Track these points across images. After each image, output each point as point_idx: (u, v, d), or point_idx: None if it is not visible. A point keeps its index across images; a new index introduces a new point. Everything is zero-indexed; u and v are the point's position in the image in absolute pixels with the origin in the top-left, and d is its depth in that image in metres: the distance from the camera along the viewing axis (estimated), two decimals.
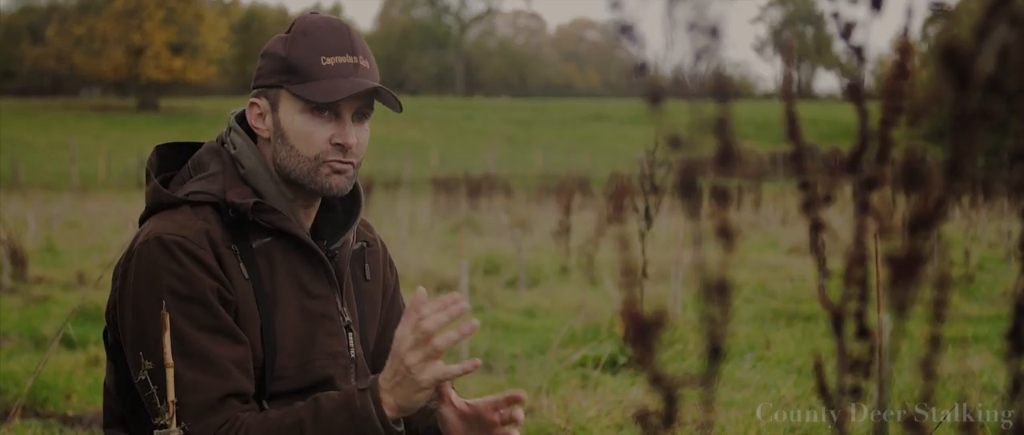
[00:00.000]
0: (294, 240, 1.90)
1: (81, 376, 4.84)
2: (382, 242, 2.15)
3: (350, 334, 1.99)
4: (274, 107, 1.90)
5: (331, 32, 1.89)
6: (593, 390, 4.49)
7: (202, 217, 1.83)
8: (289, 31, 1.92)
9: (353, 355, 1.99)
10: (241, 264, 1.84)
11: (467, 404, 1.86)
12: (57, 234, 12.95)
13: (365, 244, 2.08)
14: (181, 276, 1.77)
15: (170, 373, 1.68)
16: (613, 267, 8.74)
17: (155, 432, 1.68)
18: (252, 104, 1.93)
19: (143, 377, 1.70)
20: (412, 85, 77.13)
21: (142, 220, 1.92)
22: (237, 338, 1.81)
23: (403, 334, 1.72)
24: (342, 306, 1.98)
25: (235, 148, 1.91)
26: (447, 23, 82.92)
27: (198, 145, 1.99)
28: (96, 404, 4.41)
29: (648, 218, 5.54)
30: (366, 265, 2.08)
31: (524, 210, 17.63)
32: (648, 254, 5.63)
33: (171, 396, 1.68)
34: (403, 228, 10.59)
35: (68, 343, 5.49)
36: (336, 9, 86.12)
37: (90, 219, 15.74)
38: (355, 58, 1.89)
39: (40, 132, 43.71)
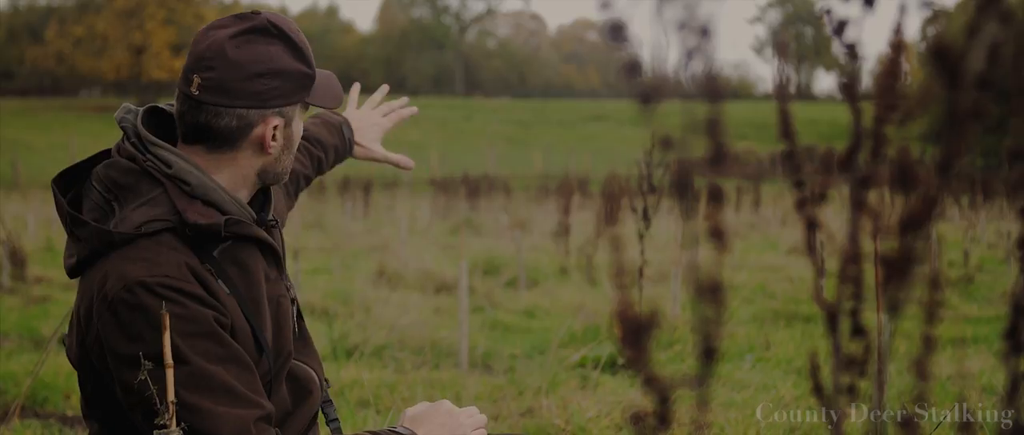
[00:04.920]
0: (253, 240, 1.88)
1: None
2: None
3: (294, 306, 2.00)
4: (288, 122, 1.87)
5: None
6: (592, 390, 4.49)
7: (167, 246, 1.76)
8: (284, 41, 1.84)
9: (296, 329, 2.00)
10: (219, 281, 1.80)
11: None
12: (57, 234, 12.95)
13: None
14: (181, 316, 1.71)
15: (170, 373, 1.66)
16: (611, 268, 8.74)
17: (155, 432, 1.67)
18: (271, 125, 1.84)
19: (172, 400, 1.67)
20: (411, 85, 77.03)
21: (84, 262, 1.80)
22: (246, 365, 1.78)
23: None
24: (287, 281, 1.98)
25: (171, 167, 1.82)
26: (447, 23, 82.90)
27: (86, 163, 1.88)
28: None
29: (647, 218, 5.54)
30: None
31: (523, 211, 17.64)
32: (647, 254, 5.64)
33: (171, 396, 1.66)
34: (402, 228, 10.58)
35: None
36: (332, 9, 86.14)
37: None
38: None
39: (40, 132, 43.74)
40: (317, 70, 1.90)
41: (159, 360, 1.66)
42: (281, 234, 2.04)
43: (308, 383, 2.01)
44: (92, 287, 1.76)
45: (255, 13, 1.86)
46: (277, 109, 1.84)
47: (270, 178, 1.91)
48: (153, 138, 1.83)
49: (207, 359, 1.72)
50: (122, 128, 1.87)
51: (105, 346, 1.74)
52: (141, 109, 1.90)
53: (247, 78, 1.80)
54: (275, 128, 1.84)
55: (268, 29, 1.82)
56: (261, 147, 1.85)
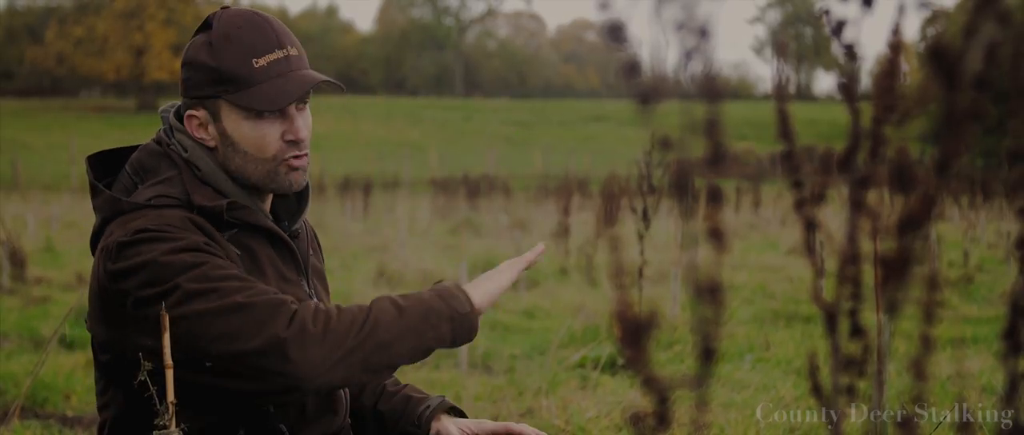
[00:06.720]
0: (263, 230, 1.89)
1: (80, 376, 4.84)
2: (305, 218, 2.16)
3: None
4: (215, 117, 1.85)
5: (254, 30, 1.83)
6: (592, 391, 4.49)
7: (170, 213, 1.79)
8: (208, 34, 1.86)
9: None
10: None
11: (467, 429, 2.10)
12: (56, 235, 12.97)
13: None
14: (185, 245, 1.70)
15: (169, 374, 1.65)
16: (611, 268, 8.74)
17: (154, 433, 1.66)
18: (190, 116, 1.87)
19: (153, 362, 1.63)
20: (411, 86, 77.06)
21: (97, 232, 1.84)
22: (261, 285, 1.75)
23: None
24: (309, 288, 1.98)
25: (187, 151, 1.88)
26: (447, 23, 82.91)
27: (128, 149, 1.94)
28: (95, 405, 4.41)
29: (646, 219, 5.54)
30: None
31: (523, 211, 17.63)
32: (646, 255, 5.64)
33: (170, 397, 1.65)
34: (402, 229, 10.59)
35: (67, 344, 5.49)
36: (331, 9, 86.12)
37: (89, 219, 15.69)
38: (284, 50, 1.83)
39: (39, 133, 43.76)
40: (265, 71, 1.82)
41: (165, 280, 1.67)
42: (306, 248, 2.03)
43: (334, 403, 2.00)
44: (101, 250, 1.78)
45: (223, 8, 1.90)
46: (196, 99, 1.87)
47: (245, 179, 1.88)
48: (179, 125, 1.91)
49: (216, 267, 1.70)
50: (161, 117, 1.96)
51: (117, 288, 1.72)
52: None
53: (182, 68, 1.90)
54: (198, 120, 1.87)
55: (205, 22, 1.88)
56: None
